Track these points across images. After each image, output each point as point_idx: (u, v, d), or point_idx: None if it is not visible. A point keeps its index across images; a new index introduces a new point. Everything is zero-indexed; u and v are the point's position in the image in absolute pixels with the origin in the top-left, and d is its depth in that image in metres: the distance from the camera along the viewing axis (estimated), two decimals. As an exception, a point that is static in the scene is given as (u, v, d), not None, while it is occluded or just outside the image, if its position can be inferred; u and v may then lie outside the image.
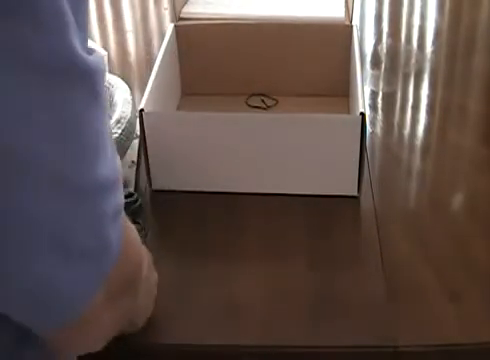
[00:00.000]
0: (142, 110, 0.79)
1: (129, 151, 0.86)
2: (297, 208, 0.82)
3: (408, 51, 1.19)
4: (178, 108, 0.99)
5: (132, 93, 0.89)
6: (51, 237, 0.41)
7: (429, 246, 0.77)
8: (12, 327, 0.46)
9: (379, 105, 1.04)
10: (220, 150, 0.82)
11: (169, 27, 0.98)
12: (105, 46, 1.21)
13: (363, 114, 0.78)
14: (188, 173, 0.84)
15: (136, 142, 0.89)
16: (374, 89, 1.07)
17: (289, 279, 0.73)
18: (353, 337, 0.67)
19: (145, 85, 0.84)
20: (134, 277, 0.53)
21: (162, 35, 1.03)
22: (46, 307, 0.44)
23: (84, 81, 0.41)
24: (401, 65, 1.15)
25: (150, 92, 0.83)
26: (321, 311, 0.69)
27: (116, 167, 0.46)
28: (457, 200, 0.89)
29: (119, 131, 0.80)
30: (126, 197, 0.48)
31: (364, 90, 0.86)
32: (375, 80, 1.10)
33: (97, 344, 0.52)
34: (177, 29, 0.98)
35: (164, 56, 0.91)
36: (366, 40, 1.22)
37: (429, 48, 1.21)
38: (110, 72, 0.91)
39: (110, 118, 0.80)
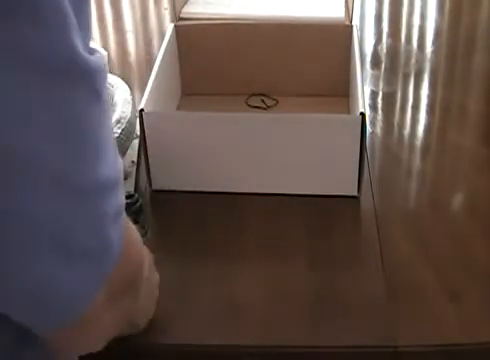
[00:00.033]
0: (142, 110, 0.79)
1: (129, 151, 0.86)
2: (297, 208, 0.82)
3: (408, 51, 1.19)
4: (178, 108, 0.99)
5: (132, 93, 0.89)
6: (51, 237, 0.41)
7: (429, 246, 0.77)
8: (12, 327, 0.46)
9: (379, 105, 1.04)
10: (220, 150, 0.82)
11: (169, 27, 0.98)
12: (105, 46, 1.21)
13: (363, 114, 0.78)
14: (188, 173, 0.84)
15: (136, 142, 0.89)
16: (374, 89, 1.07)
17: (289, 279, 0.73)
18: (353, 337, 0.67)
19: (145, 85, 0.84)
20: (135, 277, 0.53)
21: (162, 35, 1.03)
22: (46, 307, 0.44)
23: (85, 81, 0.41)
24: (401, 65, 1.15)
25: (150, 92, 0.83)
26: (321, 311, 0.69)
27: (117, 167, 0.46)
28: (457, 200, 0.89)
29: (119, 131, 0.80)
30: (126, 198, 0.48)
31: (364, 90, 0.86)
32: (375, 80, 1.10)
33: (98, 344, 0.52)
34: (177, 29, 0.98)
35: (164, 56, 0.91)
36: (366, 40, 1.22)
37: (429, 48, 1.21)
38: (110, 72, 0.90)
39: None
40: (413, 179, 0.92)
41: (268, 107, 0.99)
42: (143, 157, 0.83)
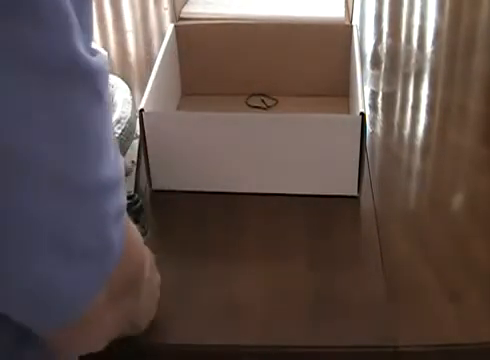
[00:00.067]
0: (142, 110, 0.79)
1: (129, 151, 0.86)
2: (297, 208, 0.82)
3: (408, 51, 1.19)
4: (178, 108, 0.99)
5: (132, 93, 0.89)
6: (51, 237, 0.41)
7: (429, 246, 0.77)
8: (12, 327, 0.46)
9: (379, 105, 1.04)
10: (220, 150, 0.82)
11: (169, 27, 0.98)
12: (105, 46, 1.21)
13: (363, 114, 0.78)
14: (188, 173, 0.84)
15: (136, 142, 0.88)
16: (374, 89, 1.07)
17: (289, 279, 0.73)
18: (353, 337, 0.67)
19: (145, 85, 0.84)
20: (136, 277, 0.53)
21: (162, 35, 1.03)
22: (46, 307, 0.44)
23: (86, 81, 0.41)
24: (401, 65, 1.15)
25: (150, 92, 0.83)
26: (321, 311, 0.69)
27: (119, 167, 0.46)
28: (457, 200, 0.89)
29: (119, 131, 0.80)
30: (127, 198, 0.48)
31: (364, 90, 0.86)
32: (375, 80, 1.10)
33: (98, 344, 0.52)
34: (177, 29, 0.98)
35: (164, 56, 0.91)
36: (366, 40, 1.22)
37: (429, 48, 1.21)
38: (110, 72, 0.91)
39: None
40: (413, 179, 0.92)
41: (268, 107, 0.99)
42: (143, 157, 0.83)
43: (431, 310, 0.70)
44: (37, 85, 0.38)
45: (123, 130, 0.81)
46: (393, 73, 1.13)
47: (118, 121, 0.81)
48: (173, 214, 0.83)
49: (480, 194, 0.87)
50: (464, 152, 0.94)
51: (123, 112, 0.82)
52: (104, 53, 0.43)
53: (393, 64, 1.15)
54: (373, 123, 0.98)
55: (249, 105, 0.99)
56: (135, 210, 0.75)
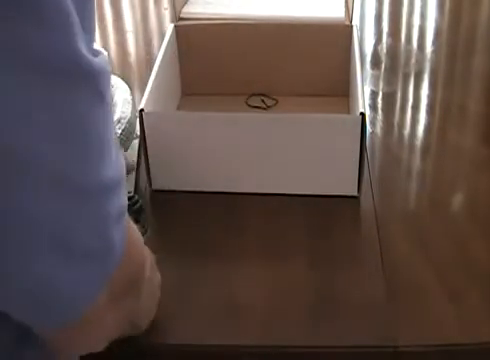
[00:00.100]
0: (142, 110, 0.79)
1: (129, 151, 0.86)
2: (297, 208, 0.82)
3: (408, 51, 1.19)
4: (178, 108, 0.99)
5: (132, 93, 0.89)
6: (51, 237, 0.41)
7: (429, 246, 0.77)
8: (12, 326, 0.46)
9: (379, 105, 1.04)
10: (220, 150, 0.82)
11: (169, 27, 0.98)
12: (105, 46, 1.21)
13: (363, 114, 0.78)
14: (188, 173, 0.84)
15: (136, 142, 0.88)
16: (374, 89, 1.07)
17: (289, 279, 0.73)
18: (353, 337, 0.67)
19: (145, 85, 0.84)
20: (137, 277, 0.53)
21: (162, 35, 1.03)
22: (46, 307, 0.44)
23: (88, 82, 0.41)
24: (401, 65, 1.15)
25: (150, 92, 0.83)
26: (321, 311, 0.69)
27: (120, 168, 0.46)
28: (457, 200, 0.89)
29: (119, 131, 0.80)
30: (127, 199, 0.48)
31: (364, 90, 0.86)
32: (375, 80, 1.10)
33: (99, 344, 0.52)
34: (177, 29, 0.98)
35: (164, 56, 0.91)
36: (366, 40, 1.22)
37: (429, 48, 1.21)
38: (110, 72, 0.91)
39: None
40: (413, 179, 0.92)
41: (268, 107, 0.99)
42: (143, 157, 0.83)
43: (431, 310, 0.70)
44: (37, 85, 0.38)
45: (123, 130, 0.81)
46: (393, 73, 1.13)
47: (118, 121, 0.81)
48: (173, 214, 0.83)
49: (480, 194, 0.87)
50: (464, 152, 0.94)
51: (123, 112, 0.82)
52: (104, 53, 0.43)
53: (393, 64, 1.15)
54: (373, 123, 0.98)
55: (249, 105, 0.99)
56: (135, 210, 0.75)
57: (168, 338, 0.67)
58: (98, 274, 0.44)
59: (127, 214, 0.47)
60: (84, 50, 0.39)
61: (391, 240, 0.78)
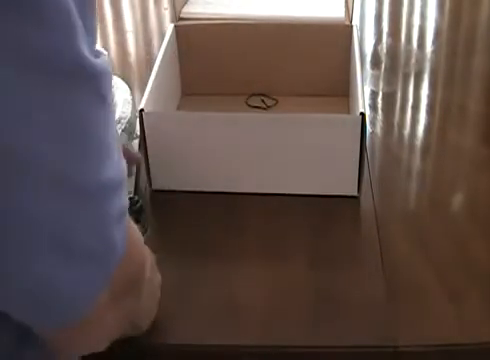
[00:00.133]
0: (142, 110, 0.79)
1: (129, 151, 0.86)
2: (297, 208, 0.82)
3: (408, 51, 1.19)
4: (178, 108, 0.99)
5: (132, 93, 0.89)
6: (51, 237, 0.41)
7: (429, 246, 0.77)
8: (12, 326, 0.46)
9: (379, 105, 1.04)
10: (220, 150, 0.82)
11: (169, 27, 0.98)
12: (105, 46, 1.21)
13: (363, 114, 0.78)
14: (188, 173, 0.84)
15: (136, 142, 0.89)
16: (374, 89, 1.07)
17: (289, 279, 0.73)
18: (353, 337, 0.67)
19: (145, 85, 0.84)
20: (137, 277, 0.53)
21: (162, 35, 1.03)
22: (46, 307, 0.44)
23: (89, 83, 0.41)
24: (401, 65, 1.15)
25: (150, 92, 0.83)
26: (321, 311, 0.69)
27: (121, 169, 0.46)
28: (457, 200, 0.89)
29: (119, 131, 0.80)
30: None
31: (364, 90, 0.86)
32: (375, 80, 1.10)
33: (100, 344, 0.52)
34: (177, 29, 0.98)
35: (164, 56, 0.91)
36: (366, 40, 1.22)
37: (429, 48, 1.21)
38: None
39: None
40: (413, 179, 0.92)
41: (268, 107, 0.99)
42: (143, 157, 0.83)
43: (431, 310, 0.70)
44: (38, 85, 0.38)
45: (123, 130, 0.81)
46: (393, 73, 1.13)
47: (118, 121, 0.81)
48: (173, 214, 0.83)
49: (480, 194, 0.87)
50: (464, 152, 0.94)
51: (123, 112, 0.83)
52: (105, 54, 0.43)
53: (393, 64, 1.15)
54: (373, 123, 0.98)
55: (249, 105, 0.99)
56: (136, 210, 0.75)
57: (168, 338, 0.67)
58: (98, 274, 0.44)
59: (128, 214, 0.47)
60: (86, 51, 0.39)
61: (391, 240, 0.78)
